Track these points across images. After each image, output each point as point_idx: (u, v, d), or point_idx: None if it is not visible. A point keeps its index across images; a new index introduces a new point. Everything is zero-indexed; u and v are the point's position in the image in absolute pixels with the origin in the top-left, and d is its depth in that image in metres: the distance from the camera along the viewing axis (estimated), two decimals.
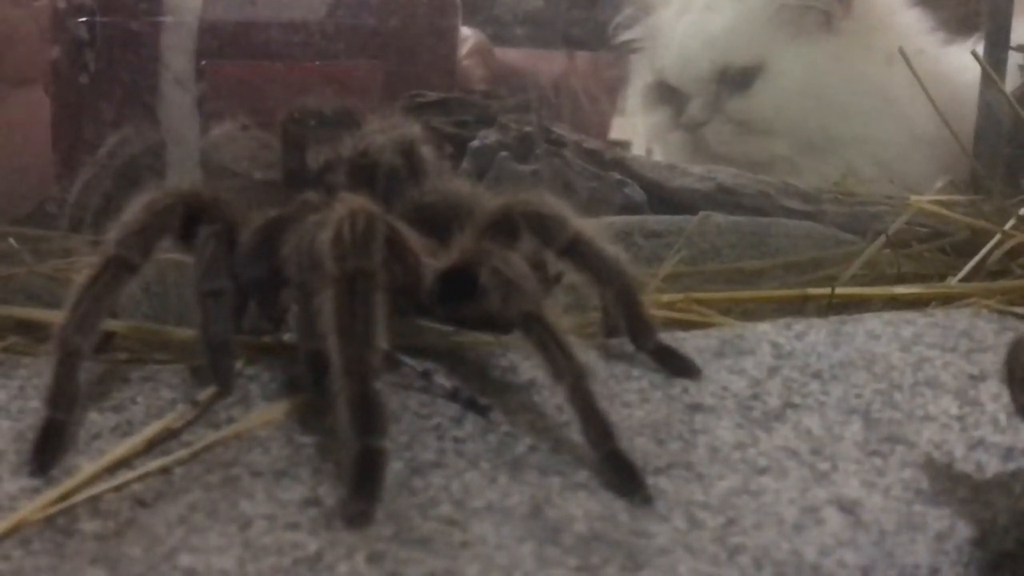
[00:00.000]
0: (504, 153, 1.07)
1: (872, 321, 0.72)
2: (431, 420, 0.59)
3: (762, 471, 0.57)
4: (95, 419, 0.60)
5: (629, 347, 0.66)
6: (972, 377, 0.66)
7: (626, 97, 1.67)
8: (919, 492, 0.56)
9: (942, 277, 0.85)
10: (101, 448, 0.57)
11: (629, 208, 1.07)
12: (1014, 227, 0.88)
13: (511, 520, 0.52)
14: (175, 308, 0.72)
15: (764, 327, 0.71)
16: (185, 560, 0.49)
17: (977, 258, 0.85)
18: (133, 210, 0.60)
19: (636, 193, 1.08)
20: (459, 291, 0.61)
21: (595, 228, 0.63)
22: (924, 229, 0.98)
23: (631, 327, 0.65)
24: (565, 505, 0.53)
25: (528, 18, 1.53)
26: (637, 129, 1.50)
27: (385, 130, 0.70)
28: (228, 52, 1.05)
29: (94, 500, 0.54)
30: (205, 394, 0.60)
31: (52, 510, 0.53)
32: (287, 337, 0.63)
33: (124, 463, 0.56)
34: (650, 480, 0.55)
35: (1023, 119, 0.97)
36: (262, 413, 0.60)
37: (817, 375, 0.66)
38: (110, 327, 0.65)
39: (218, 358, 0.60)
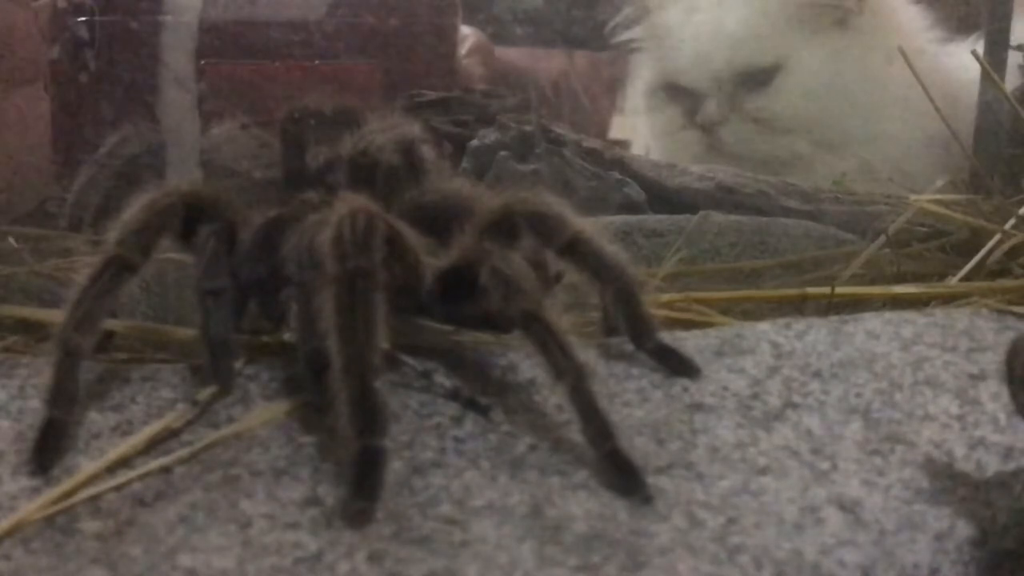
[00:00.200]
0: (504, 152, 1.07)
1: (872, 320, 0.72)
2: (431, 419, 0.59)
3: (762, 470, 0.57)
4: (95, 418, 0.60)
5: (629, 346, 0.66)
6: (972, 376, 0.65)
7: (625, 96, 1.67)
8: (919, 491, 0.56)
9: (942, 276, 0.85)
10: (101, 447, 0.57)
11: (629, 207, 1.07)
12: (1014, 226, 0.88)
13: (511, 519, 0.52)
14: (175, 307, 0.72)
15: (764, 326, 0.71)
16: (185, 560, 0.49)
17: (977, 257, 0.85)
18: (133, 210, 0.60)
19: (636, 192, 1.08)
20: (459, 290, 0.61)
21: (595, 227, 0.63)
22: (924, 228, 0.98)
23: (631, 326, 0.64)
24: (565, 504, 0.53)
25: (528, 17, 1.53)
26: (637, 128, 1.50)
27: (385, 129, 0.70)
28: (228, 51, 1.05)
29: (94, 500, 0.54)
30: (205, 393, 0.60)
31: (52, 510, 0.53)
32: (287, 336, 0.63)
33: (124, 463, 0.56)
34: (650, 479, 0.55)
35: (1023, 118, 0.97)
36: (262, 412, 0.60)
37: (817, 374, 0.65)
38: (110, 326, 0.65)
39: (218, 357, 0.60)
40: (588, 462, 0.56)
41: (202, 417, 0.60)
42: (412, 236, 0.62)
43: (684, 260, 0.92)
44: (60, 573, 0.49)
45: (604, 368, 0.65)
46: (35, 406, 0.60)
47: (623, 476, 0.54)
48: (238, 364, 0.62)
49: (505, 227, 0.62)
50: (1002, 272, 0.86)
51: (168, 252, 0.64)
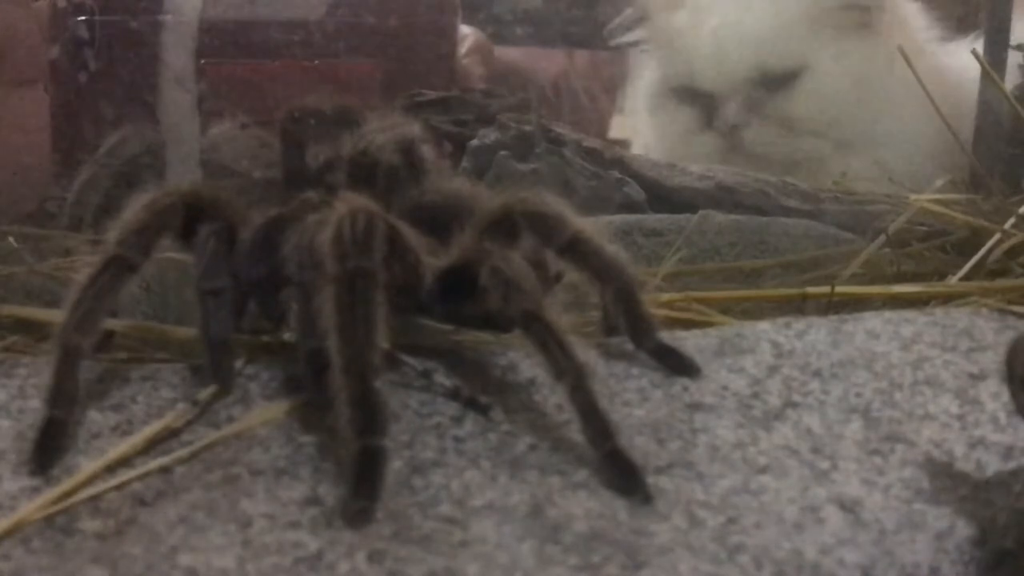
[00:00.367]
0: (504, 152, 1.07)
1: (872, 320, 0.72)
2: (431, 419, 0.59)
3: (762, 470, 0.57)
4: (95, 418, 0.60)
5: (629, 346, 0.66)
6: (972, 376, 0.65)
7: (625, 96, 1.67)
8: (919, 491, 0.56)
9: (942, 276, 0.85)
10: (101, 447, 0.57)
11: (628, 207, 1.07)
12: (1014, 226, 0.88)
13: (511, 519, 0.52)
14: (175, 307, 0.72)
15: (764, 326, 0.71)
16: (185, 559, 0.49)
17: (977, 257, 0.85)
18: (133, 209, 0.60)
19: (635, 192, 1.08)
20: (459, 290, 0.61)
21: (595, 227, 0.63)
22: (924, 228, 0.98)
23: (631, 326, 0.64)
24: (565, 504, 0.53)
25: (527, 17, 1.53)
26: (637, 128, 1.49)
27: (385, 129, 0.70)
28: (228, 51, 1.05)
29: (94, 499, 0.54)
30: (205, 393, 0.60)
31: (52, 509, 0.53)
32: (287, 336, 0.63)
33: (124, 462, 0.56)
34: (650, 479, 0.55)
35: (1023, 118, 0.97)
36: (262, 412, 0.60)
37: (817, 374, 0.65)
38: (110, 326, 0.65)
39: (218, 357, 0.60)
40: (588, 462, 0.56)
41: (202, 417, 0.60)
42: (412, 236, 0.62)
43: (684, 259, 0.92)
44: (60, 573, 0.49)
45: (604, 368, 0.65)
46: (35, 406, 0.60)
47: (623, 476, 0.54)
48: (238, 364, 0.62)
49: (505, 227, 0.62)
50: (1002, 272, 0.86)
51: (168, 252, 0.64)
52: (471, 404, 0.60)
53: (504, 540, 0.51)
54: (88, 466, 0.56)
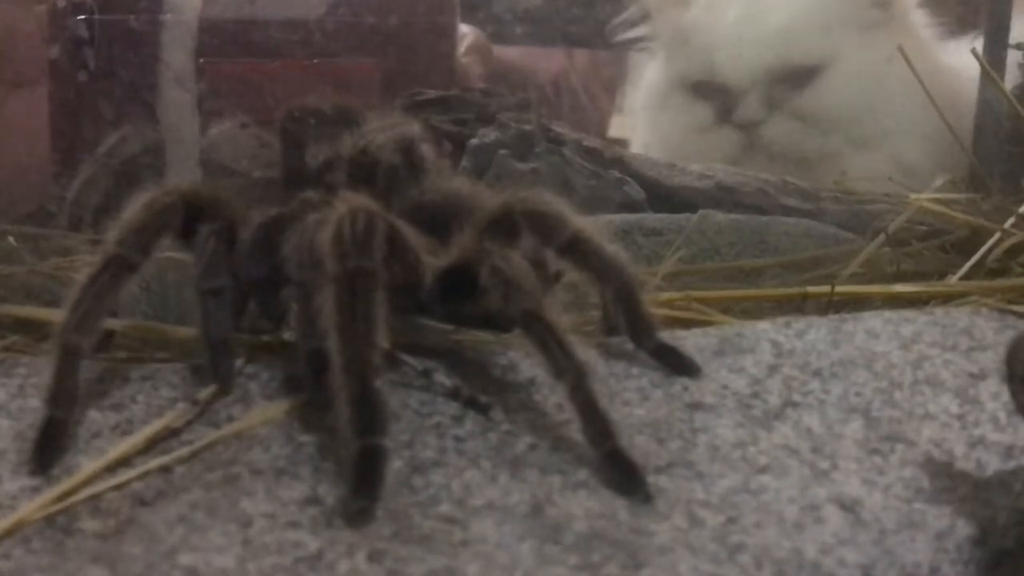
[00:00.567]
0: (503, 151, 1.07)
1: (872, 319, 0.72)
2: (431, 418, 0.59)
3: (762, 469, 0.57)
4: (95, 418, 0.60)
5: (629, 345, 0.66)
6: (972, 375, 0.66)
7: (624, 95, 1.67)
8: (919, 490, 0.56)
9: (942, 275, 0.85)
10: (101, 447, 0.57)
11: (628, 206, 1.07)
12: (1014, 225, 0.88)
13: (511, 518, 0.52)
14: (175, 307, 0.72)
15: (764, 325, 0.71)
16: (185, 559, 0.49)
17: (977, 256, 0.85)
18: (133, 209, 0.60)
19: (635, 191, 1.08)
20: (459, 289, 0.61)
21: (595, 226, 0.63)
22: (924, 227, 0.98)
23: (631, 325, 0.65)
24: (566, 503, 0.53)
25: (527, 16, 1.53)
26: (638, 128, 1.49)
27: (385, 128, 0.70)
28: (228, 50, 1.05)
29: (94, 499, 0.54)
30: (205, 393, 0.60)
31: (52, 509, 0.53)
32: (287, 335, 0.63)
33: (124, 462, 0.56)
34: (650, 478, 0.55)
35: (1023, 117, 0.97)
36: (262, 412, 0.60)
37: (817, 373, 0.66)
38: (110, 326, 0.65)
39: (218, 357, 0.60)
40: (588, 461, 0.56)
41: (202, 416, 0.60)
42: (412, 235, 0.62)
43: (684, 259, 0.92)
44: (60, 572, 0.49)
45: (604, 367, 0.65)
46: (35, 405, 0.60)
47: (623, 475, 0.54)
48: (238, 363, 0.63)
49: (505, 226, 0.62)
50: (1002, 271, 0.86)
51: (168, 251, 0.64)
52: (471, 404, 0.60)
53: (504, 540, 0.51)
54: (88, 466, 0.56)
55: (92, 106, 1.00)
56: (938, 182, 1.07)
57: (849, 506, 0.54)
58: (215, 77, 1.02)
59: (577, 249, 0.62)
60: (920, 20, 1.35)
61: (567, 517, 0.52)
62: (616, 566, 0.49)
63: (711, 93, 1.34)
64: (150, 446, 0.57)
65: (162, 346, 0.68)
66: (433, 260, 0.62)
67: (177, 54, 0.99)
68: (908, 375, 0.65)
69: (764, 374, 0.65)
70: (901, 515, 0.54)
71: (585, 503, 0.53)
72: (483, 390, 0.61)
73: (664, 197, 1.09)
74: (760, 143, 1.30)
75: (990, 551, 0.54)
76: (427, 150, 0.71)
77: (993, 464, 0.59)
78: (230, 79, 1.05)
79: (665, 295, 0.77)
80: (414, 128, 0.71)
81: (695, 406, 0.62)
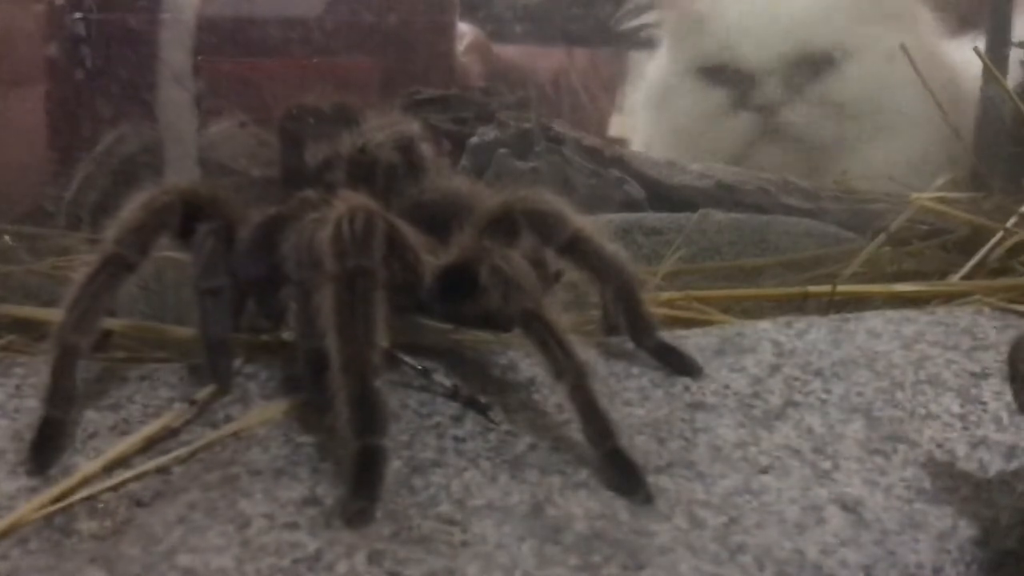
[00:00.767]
0: (503, 150, 1.07)
1: (873, 319, 0.72)
2: (431, 419, 0.59)
3: (764, 470, 0.57)
4: (93, 418, 0.59)
5: (629, 345, 0.66)
6: (974, 375, 0.65)
7: (624, 94, 1.66)
8: (921, 491, 0.56)
9: (943, 275, 0.85)
10: (99, 447, 0.57)
11: (628, 205, 1.07)
12: (1015, 225, 0.88)
13: (511, 519, 0.52)
14: (173, 306, 0.71)
15: (765, 325, 0.71)
16: (183, 560, 0.48)
17: (979, 256, 0.85)
18: (131, 208, 0.60)
19: (635, 190, 1.08)
20: (459, 289, 0.61)
21: (595, 226, 0.63)
22: (925, 227, 0.98)
23: (631, 325, 0.64)
24: (566, 504, 0.53)
25: (526, 15, 1.53)
26: (642, 120, 1.48)
27: (384, 127, 0.70)
28: (227, 49, 1.05)
29: (92, 499, 0.54)
30: (203, 393, 0.60)
31: (50, 509, 0.53)
32: (286, 335, 0.62)
33: (122, 462, 0.56)
34: (651, 479, 0.55)
35: None
36: (261, 412, 0.60)
37: (818, 373, 0.65)
38: (108, 325, 0.65)
39: (216, 356, 0.60)
40: (588, 461, 0.56)
41: (200, 416, 0.60)
42: (412, 234, 0.62)
43: (684, 258, 0.92)
44: (58, 573, 0.49)
45: (604, 367, 0.65)
46: (32, 405, 0.59)
47: (624, 475, 0.54)
48: (236, 363, 0.62)
49: (505, 225, 0.62)
50: (1003, 270, 0.86)
51: (166, 250, 0.63)
52: (471, 404, 0.60)
53: (504, 540, 0.51)
54: (86, 466, 0.55)
55: (90, 105, 1.00)
56: (939, 181, 1.07)
57: (851, 506, 0.54)
58: (213, 75, 1.02)
59: (577, 248, 0.62)
60: (929, 17, 1.35)
61: (567, 517, 0.52)
62: (616, 567, 0.49)
63: (727, 78, 1.33)
64: (148, 446, 0.57)
65: (160, 346, 0.68)
66: (433, 259, 0.62)
67: (175, 53, 0.99)
68: (910, 375, 0.65)
69: (765, 374, 0.65)
70: (903, 515, 0.54)
71: (585, 503, 0.53)
72: (483, 390, 0.61)
73: (664, 196, 1.09)
74: (778, 127, 1.29)
75: (992, 552, 0.54)
76: (426, 149, 0.71)
77: (995, 464, 0.59)
78: (229, 78, 1.04)
79: (665, 294, 0.77)
80: (413, 127, 0.71)
81: (696, 406, 0.62)
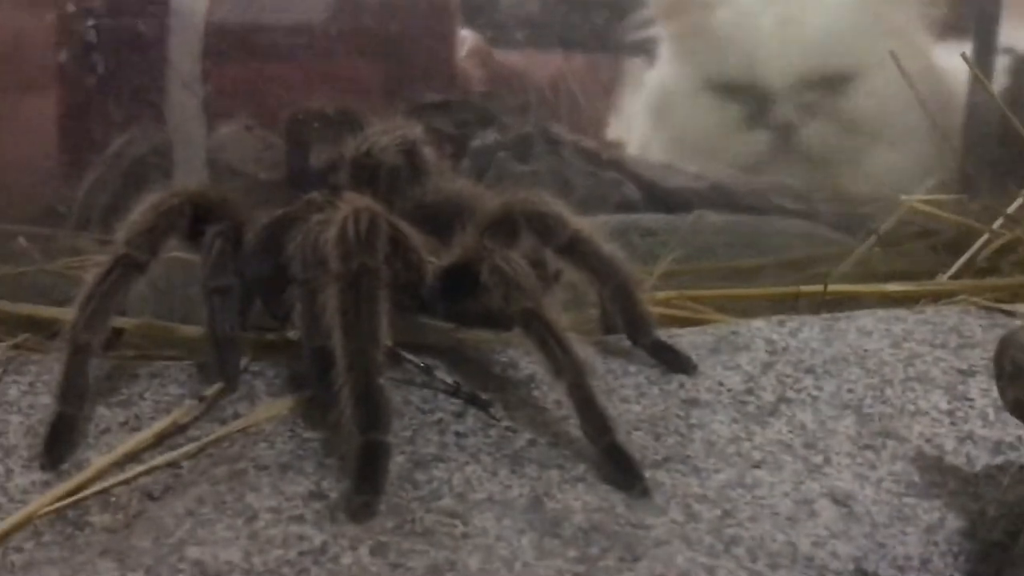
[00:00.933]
0: (503, 153, 1.07)
1: (864, 318, 0.72)
2: (433, 415, 0.59)
3: (757, 464, 0.57)
4: (104, 414, 0.60)
5: (626, 343, 0.66)
6: (962, 372, 0.65)
7: (622, 98, 1.66)
8: (910, 485, 0.56)
9: (932, 275, 0.85)
10: (110, 442, 0.58)
11: (625, 206, 1.07)
12: (1002, 226, 0.88)
13: (511, 512, 0.52)
14: (182, 306, 0.72)
15: (758, 324, 0.71)
16: (193, 552, 0.49)
17: (966, 256, 0.85)
18: (141, 210, 0.60)
19: (632, 192, 1.08)
20: (460, 288, 0.61)
21: (593, 227, 0.63)
22: (914, 228, 0.98)
23: (628, 323, 0.65)
24: (564, 498, 0.53)
25: (526, 21, 1.53)
26: (636, 129, 1.48)
27: (387, 131, 0.70)
28: (234, 54, 1.05)
29: (104, 493, 0.54)
30: (211, 390, 0.60)
31: (63, 503, 0.53)
32: (292, 334, 0.62)
33: (133, 457, 0.56)
34: (648, 473, 0.55)
35: (1012, 120, 0.97)
36: (267, 408, 0.60)
37: (810, 371, 0.65)
38: (119, 324, 0.65)
39: (224, 354, 0.60)
40: (587, 456, 0.56)
41: (209, 413, 0.60)
42: (414, 235, 0.62)
43: (680, 259, 0.92)
44: (70, 565, 0.49)
45: (602, 364, 0.65)
46: (46, 402, 0.60)
47: (621, 470, 0.54)
48: (244, 361, 0.63)
49: (505, 227, 0.62)
50: (990, 270, 0.86)
51: (175, 251, 0.64)
52: (472, 400, 0.60)
53: (504, 533, 0.51)
54: (98, 461, 0.56)
55: (101, 109, 1.00)
56: (928, 183, 1.07)
57: (842, 500, 0.55)
58: (221, 80, 1.02)
59: (576, 249, 0.62)
60: (922, 28, 1.35)
61: (566, 511, 0.52)
62: (614, 559, 0.49)
63: (744, 95, 1.31)
64: (158, 442, 0.57)
65: (169, 344, 0.68)
66: (435, 260, 0.62)
67: (184, 58, 0.99)
68: (899, 372, 0.65)
69: (759, 371, 0.65)
70: (892, 509, 0.54)
71: (583, 497, 0.53)
72: (484, 387, 0.62)
73: (660, 198, 1.09)
74: (796, 146, 1.28)
75: (979, 543, 0.54)
76: (429, 152, 0.71)
77: (982, 459, 0.59)
78: (236, 82, 1.04)
79: (661, 294, 0.77)
80: (416, 131, 0.71)
81: (691, 402, 0.62)
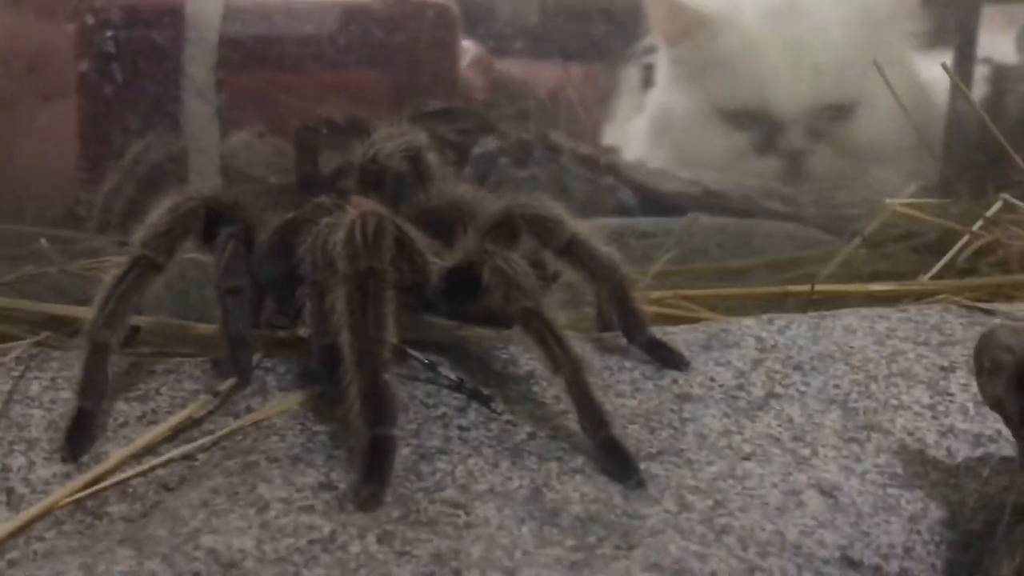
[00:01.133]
0: (504, 159, 1.07)
1: (849, 316, 0.72)
2: (437, 409, 0.59)
3: (747, 457, 0.57)
4: (122, 409, 0.60)
5: (622, 341, 0.66)
6: (943, 369, 0.65)
7: (618, 106, 1.66)
8: (894, 476, 0.56)
9: (914, 275, 0.85)
10: (128, 436, 0.58)
11: (621, 210, 1.07)
12: (981, 228, 0.88)
13: (512, 503, 0.52)
14: (196, 305, 0.72)
15: (748, 322, 0.71)
16: (207, 541, 0.49)
17: (947, 257, 0.85)
18: (158, 213, 0.60)
19: (627, 196, 1.08)
20: (463, 288, 0.61)
21: (590, 229, 0.63)
22: (898, 230, 0.98)
23: (624, 322, 0.65)
24: (563, 489, 0.53)
25: (526, 32, 1.53)
26: (635, 141, 1.47)
27: (393, 138, 0.70)
28: (246, 65, 1.05)
29: (122, 485, 0.54)
30: (225, 385, 0.60)
31: (83, 494, 0.53)
32: (302, 332, 0.63)
33: (150, 450, 0.56)
34: (642, 465, 0.55)
35: (990, 128, 0.97)
36: (279, 403, 0.60)
37: (798, 367, 0.65)
38: (136, 323, 0.65)
39: (237, 351, 0.60)
40: (584, 449, 0.56)
41: (222, 407, 0.60)
42: (419, 238, 0.62)
43: (673, 260, 0.92)
44: (90, 553, 0.49)
45: (599, 361, 0.65)
46: (66, 397, 0.60)
47: (617, 462, 0.54)
48: (256, 358, 0.63)
49: (506, 229, 0.62)
50: (970, 271, 0.86)
51: (190, 253, 0.64)
52: (474, 395, 0.60)
53: (505, 522, 0.51)
54: (116, 453, 0.56)
55: (119, 117, 1.00)
56: (911, 187, 1.07)
57: (828, 491, 0.55)
58: (234, 89, 1.02)
59: (574, 251, 0.62)
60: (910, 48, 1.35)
61: (564, 501, 0.52)
62: (610, 547, 0.49)
63: (753, 122, 1.30)
64: (174, 435, 0.57)
65: (185, 342, 0.68)
66: (438, 261, 0.62)
67: (198, 68, 0.99)
68: (883, 368, 0.65)
69: (748, 367, 0.65)
70: (877, 499, 0.54)
71: (581, 488, 0.53)
72: (485, 383, 0.62)
73: (655, 202, 1.09)
74: (803, 173, 1.27)
75: (960, 533, 0.54)
76: (433, 158, 0.71)
77: (963, 452, 0.59)
78: (248, 92, 1.04)
79: (656, 294, 0.77)
80: (421, 138, 0.71)
81: (684, 397, 0.62)
